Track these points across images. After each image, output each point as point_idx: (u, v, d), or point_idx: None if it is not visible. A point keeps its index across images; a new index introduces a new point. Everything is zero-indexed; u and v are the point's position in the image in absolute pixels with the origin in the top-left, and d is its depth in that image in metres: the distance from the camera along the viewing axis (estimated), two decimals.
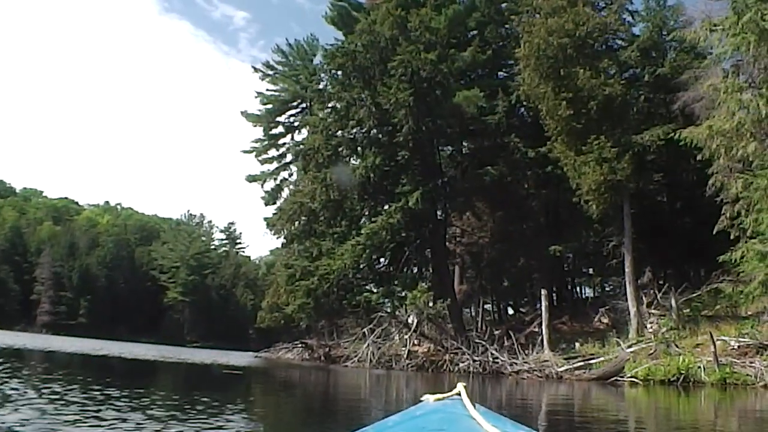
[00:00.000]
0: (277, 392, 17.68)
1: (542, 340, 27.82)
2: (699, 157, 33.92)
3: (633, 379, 22.56)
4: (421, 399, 2.44)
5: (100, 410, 8.17)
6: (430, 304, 29.39)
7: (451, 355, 29.07)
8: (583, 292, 44.64)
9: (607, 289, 43.12)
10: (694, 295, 29.61)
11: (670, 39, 34.33)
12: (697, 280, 32.57)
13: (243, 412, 10.64)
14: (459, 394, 2.35)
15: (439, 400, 2.38)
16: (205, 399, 11.74)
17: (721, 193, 21.85)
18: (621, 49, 33.86)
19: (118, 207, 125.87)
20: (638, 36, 34.24)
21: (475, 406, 2.19)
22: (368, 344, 31.00)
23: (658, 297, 29.69)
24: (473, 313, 42.94)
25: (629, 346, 25.31)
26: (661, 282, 32.22)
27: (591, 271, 41.68)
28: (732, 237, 19.56)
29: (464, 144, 39.67)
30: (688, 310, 28.17)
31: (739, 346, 22.81)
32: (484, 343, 28.77)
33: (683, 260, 35.03)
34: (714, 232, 20.92)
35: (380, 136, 34.50)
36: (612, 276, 41.18)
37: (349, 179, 32.85)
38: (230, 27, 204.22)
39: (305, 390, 19.34)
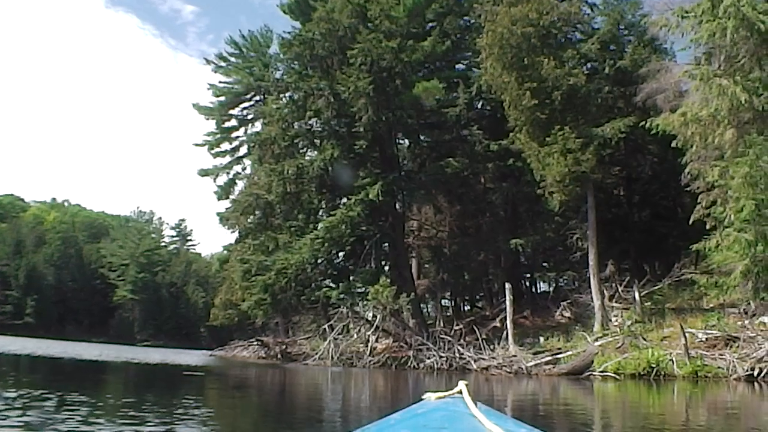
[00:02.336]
0: (239, 392, 16.17)
1: (507, 335, 26.73)
2: (659, 150, 34.27)
3: (604, 374, 21.62)
4: (423, 397, 2.40)
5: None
6: (390, 299, 27.96)
7: (416, 351, 27.74)
8: (538, 286, 43.92)
9: (561, 283, 42.56)
10: (656, 288, 29.20)
11: (628, 33, 33.98)
12: (654, 274, 32.14)
13: (199, 415, 9.28)
14: (460, 392, 2.33)
15: (440, 398, 2.36)
16: (155, 402, 10.63)
17: (692, 183, 20.96)
18: (581, 42, 33.16)
19: (66, 204, 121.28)
20: (598, 29, 33.60)
21: (476, 405, 2.18)
22: (329, 341, 29.43)
23: (620, 290, 29.07)
24: (428, 310, 41.88)
25: (596, 340, 24.47)
26: (618, 275, 31.53)
27: (549, 265, 40.90)
28: (708, 227, 18.62)
29: (421, 137, 38.40)
30: (649, 303, 27.58)
31: (707, 339, 22.15)
32: (450, 339, 27.49)
33: (641, 254, 34.55)
34: (690, 222, 20.03)
35: (339, 127, 33.06)
36: (568, 270, 40.62)
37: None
38: (178, 21, 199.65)
39: (269, 390, 17.83)
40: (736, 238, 16.77)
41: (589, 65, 33.29)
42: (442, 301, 40.85)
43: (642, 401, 15.80)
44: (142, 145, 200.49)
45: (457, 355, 26.57)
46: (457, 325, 30.54)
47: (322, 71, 32.29)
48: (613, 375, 21.40)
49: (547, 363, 23.76)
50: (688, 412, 12.72)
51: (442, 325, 32.52)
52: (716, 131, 18.15)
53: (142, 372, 23.08)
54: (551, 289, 42.48)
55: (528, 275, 42.04)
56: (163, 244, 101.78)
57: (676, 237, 35.34)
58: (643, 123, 21.54)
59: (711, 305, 26.73)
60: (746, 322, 22.87)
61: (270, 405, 13.21)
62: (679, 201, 36.50)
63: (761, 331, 21.96)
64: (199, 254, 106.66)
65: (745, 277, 16.82)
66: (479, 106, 37.68)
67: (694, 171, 19.84)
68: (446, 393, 2.39)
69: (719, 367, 20.20)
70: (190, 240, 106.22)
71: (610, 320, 26.71)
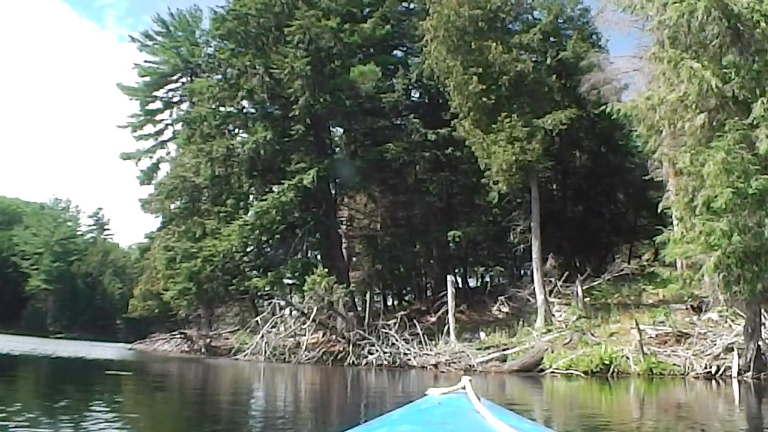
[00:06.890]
0: (162, 393, 13.56)
1: (448, 330, 24.74)
2: (593, 145, 33.28)
3: (557, 371, 19.88)
4: (426, 393, 2.36)
5: None
6: (328, 290, 25.50)
7: (355, 346, 25.28)
8: (468, 281, 42.36)
9: (486, 278, 41.30)
10: (595, 283, 28.03)
11: (567, 27, 32.89)
12: (584, 269, 31.05)
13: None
14: (464, 388, 2.30)
15: (444, 394, 2.32)
16: (61, 407, 9.00)
17: (654, 172, 19.47)
18: (523, 32, 31.78)
19: None
20: (539, 20, 32.30)
21: (480, 400, 2.15)
22: (262, 335, 26.65)
23: (559, 285, 27.64)
24: (356, 303, 39.66)
25: (542, 336, 22.80)
26: (557, 270, 30.22)
27: (481, 259, 39.45)
28: (679, 216, 17.04)
29: (354, 124, 36.05)
30: (588, 298, 26.27)
31: (656, 335, 20.85)
32: (393, 334, 25.14)
33: (575, 249, 33.46)
34: (658, 210, 18.51)
35: (272, 108, 30.42)
36: (497, 265, 39.34)
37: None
38: (96, 2, 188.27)
39: (194, 390, 15.23)
40: (706, 229, 15.16)
41: (531, 56, 32.04)
42: (373, 295, 38.71)
43: (594, 399, 14.59)
44: (59, 129, 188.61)
45: (402, 350, 24.29)
46: (391, 319, 28.32)
47: (256, 49, 29.61)
48: (565, 372, 19.71)
49: (496, 359, 21.85)
50: (642, 410, 11.90)
51: (377, 319, 30.28)
52: (685, 116, 16.57)
53: (54, 367, 20.15)
54: (480, 283, 41.05)
55: (457, 270, 40.42)
56: (79, 232, 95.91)
57: (609, 232, 34.66)
58: (604, 109, 19.77)
59: (651, 301, 25.81)
60: (695, 318, 21.75)
61: (198, 410, 10.83)
62: (612, 197, 35.84)
63: (710, 327, 20.86)
64: (117, 244, 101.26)
65: (717, 270, 15.22)
66: (417, 95, 36.09)
67: (663, 158, 18.32)
68: (450, 388, 2.33)
69: (675, 365, 18.85)
70: (108, 229, 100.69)
71: (553, 315, 25.17)
